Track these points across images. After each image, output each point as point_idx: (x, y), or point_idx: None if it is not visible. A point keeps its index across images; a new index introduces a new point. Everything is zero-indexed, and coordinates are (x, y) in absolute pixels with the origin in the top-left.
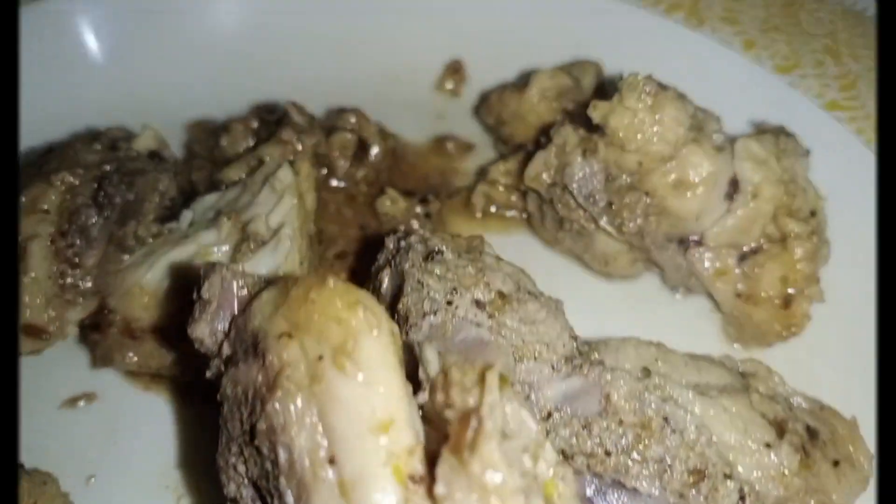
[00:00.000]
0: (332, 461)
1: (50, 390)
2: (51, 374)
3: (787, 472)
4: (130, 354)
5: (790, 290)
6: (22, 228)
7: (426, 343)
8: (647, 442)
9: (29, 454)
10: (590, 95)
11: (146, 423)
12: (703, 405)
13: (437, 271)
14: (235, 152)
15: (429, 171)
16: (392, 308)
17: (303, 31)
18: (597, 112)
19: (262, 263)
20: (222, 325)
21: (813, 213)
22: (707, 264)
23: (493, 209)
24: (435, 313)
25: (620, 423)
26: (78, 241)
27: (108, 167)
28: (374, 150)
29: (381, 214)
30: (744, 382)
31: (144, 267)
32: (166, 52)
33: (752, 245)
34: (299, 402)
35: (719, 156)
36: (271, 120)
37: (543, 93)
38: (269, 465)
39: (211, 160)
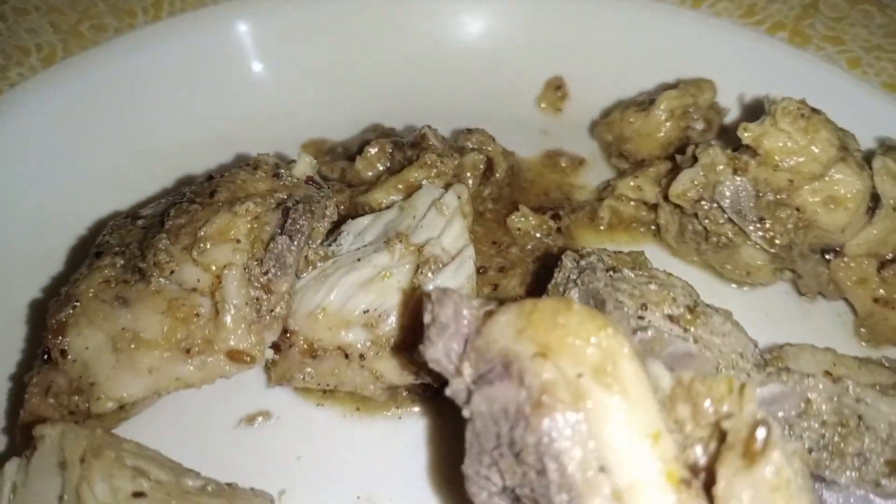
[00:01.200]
0: (602, 470)
1: (224, 409)
2: (221, 393)
3: None
4: (309, 371)
5: None
6: (212, 257)
7: (649, 359)
8: (846, 439)
9: (219, 471)
10: (710, 112)
11: (324, 438)
12: (886, 404)
13: (625, 288)
14: (368, 175)
15: (547, 186)
16: None
17: (404, 51)
18: (749, 134)
19: (445, 283)
20: (456, 347)
21: None
22: (849, 273)
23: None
24: (645, 330)
25: (823, 423)
26: (273, 269)
27: (280, 195)
28: (500, 169)
29: (513, 230)
30: None
31: (324, 290)
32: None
33: (891, 255)
34: (567, 417)
35: (864, 173)
36: (405, 143)
37: (672, 111)
38: (533, 475)
39: (345, 182)
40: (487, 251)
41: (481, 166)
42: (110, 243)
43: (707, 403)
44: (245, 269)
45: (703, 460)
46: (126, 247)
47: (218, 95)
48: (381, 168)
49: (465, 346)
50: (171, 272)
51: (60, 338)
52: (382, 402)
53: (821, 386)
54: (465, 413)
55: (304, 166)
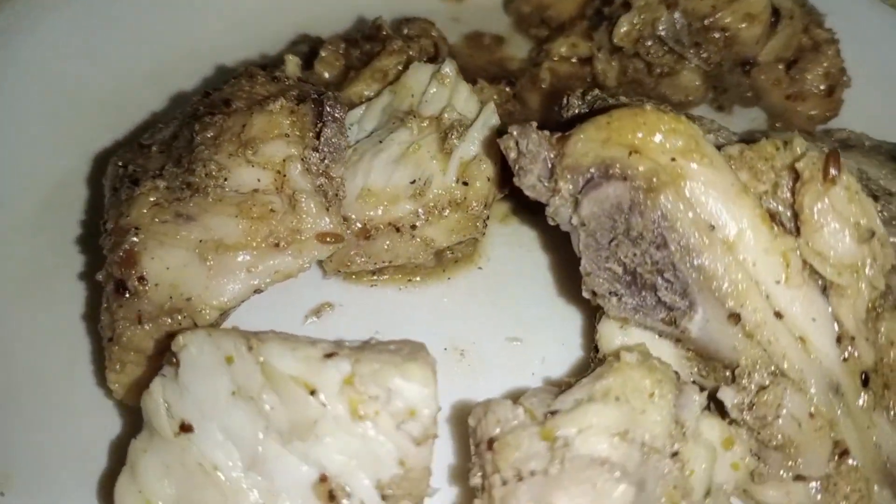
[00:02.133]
0: (712, 228)
1: (287, 312)
2: (276, 297)
3: None
4: (365, 253)
5: (830, 82)
6: (267, 154)
7: None
8: None
9: None
10: None
11: (391, 311)
12: (846, 156)
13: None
14: (327, 77)
15: (481, 64)
16: None
17: None
18: None
19: (476, 140)
20: (544, 174)
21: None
22: (764, 77)
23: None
24: None
25: None
26: (329, 155)
27: (293, 92)
28: (444, 52)
29: None
30: (845, 142)
31: (361, 174)
32: None
33: (793, 57)
34: (675, 194)
35: None
36: (359, 38)
37: None
38: (653, 250)
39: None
40: None
41: (431, 50)
42: (137, 171)
43: (762, 165)
44: (303, 159)
45: (772, 206)
46: (160, 170)
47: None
48: (340, 64)
49: (553, 170)
50: (226, 179)
51: (133, 267)
52: (431, 267)
53: None
54: (574, 222)
55: (294, 67)
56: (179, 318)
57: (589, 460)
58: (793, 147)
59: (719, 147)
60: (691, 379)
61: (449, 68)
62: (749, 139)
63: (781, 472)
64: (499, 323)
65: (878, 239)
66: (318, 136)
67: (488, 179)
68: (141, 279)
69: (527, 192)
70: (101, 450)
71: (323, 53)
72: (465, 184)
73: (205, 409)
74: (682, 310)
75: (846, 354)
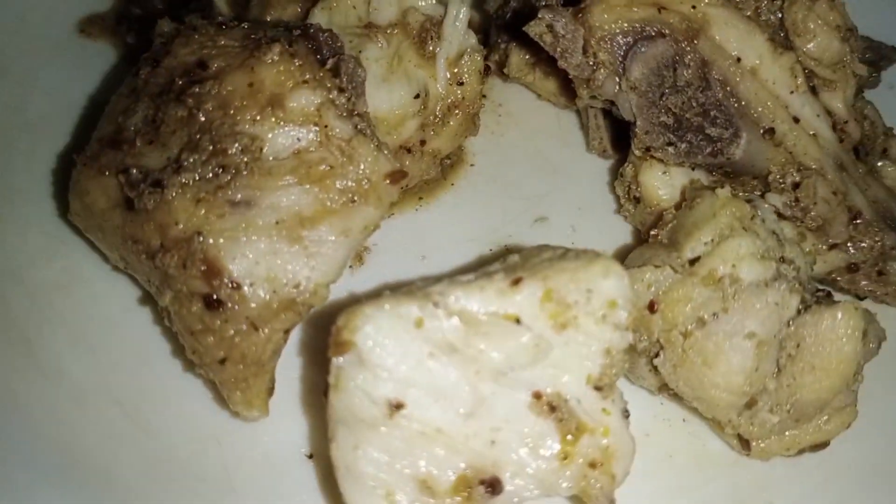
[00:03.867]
0: (739, 60)
1: None
2: None
3: None
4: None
5: None
6: (296, 109)
7: None
8: None
9: None
10: None
11: (424, 232)
12: None
13: None
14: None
15: None
16: None
17: None
18: None
19: (455, 35)
20: (579, 52)
21: None
22: None
23: None
24: None
25: None
26: (352, 91)
27: (263, 29)
28: None
29: None
30: None
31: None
32: None
33: None
34: (707, 38)
35: None
36: None
37: None
38: (699, 94)
39: None
40: None
41: None
42: (150, 168)
43: None
44: (332, 103)
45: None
46: (178, 162)
47: None
48: None
49: (585, 46)
50: (261, 149)
51: (219, 275)
52: (436, 180)
53: None
54: (623, 88)
55: (224, 4)
56: (297, 307)
57: (756, 285)
58: None
59: None
60: None
61: None
62: None
63: (822, 246)
64: (518, 210)
65: (853, 33)
66: (336, 73)
67: (479, 72)
68: (234, 285)
69: (573, 73)
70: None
71: None
72: (461, 83)
73: (408, 380)
74: (728, 139)
75: (841, 136)
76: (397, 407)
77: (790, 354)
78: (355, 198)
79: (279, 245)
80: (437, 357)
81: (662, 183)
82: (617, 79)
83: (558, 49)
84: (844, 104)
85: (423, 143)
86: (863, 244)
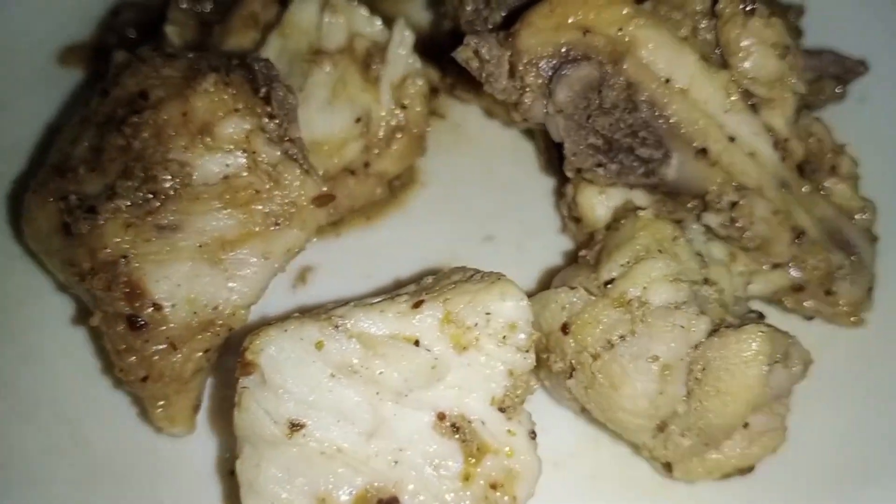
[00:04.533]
0: (668, 81)
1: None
2: None
3: None
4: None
5: None
6: (224, 136)
7: None
8: None
9: None
10: None
11: (370, 252)
12: None
13: None
14: (181, 41)
15: None
16: None
17: None
18: None
19: (399, 60)
20: (507, 76)
21: None
22: None
23: None
24: None
25: None
26: (284, 118)
27: (206, 62)
28: None
29: None
30: None
31: (302, 129)
32: None
33: None
34: (633, 61)
35: None
36: None
37: None
38: (626, 116)
39: None
40: None
41: None
42: (82, 199)
43: (677, 14)
44: (263, 129)
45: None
46: (110, 190)
47: None
48: (192, 25)
49: (513, 70)
50: (191, 175)
51: (142, 297)
52: (385, 200)
53: None
54: (550, 111)
55: (177, 36)
56: (215, 329)
57: (664, 309)
58: None
59: None
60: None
61: None
62: None
63: (763, 266)
64: (467, 229)
65: (791, 51)
66: (267, 101)
67: (424, 96)
68: (155, 306)
69: (499, 97)
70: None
71: (172, 17)
72: (404, 106)
73: (309, 400)
74: (659, 159)
75: (784, 154)
76: (298, 427)
77: (697, 378)
78: (279, 221)
79: (200, 268)
80: (337, 378)
81: (599, 203)
82: (544, 102)
83: (483, 74)
84: (785, 122)
85: (367, 165)
86: (806, 264)
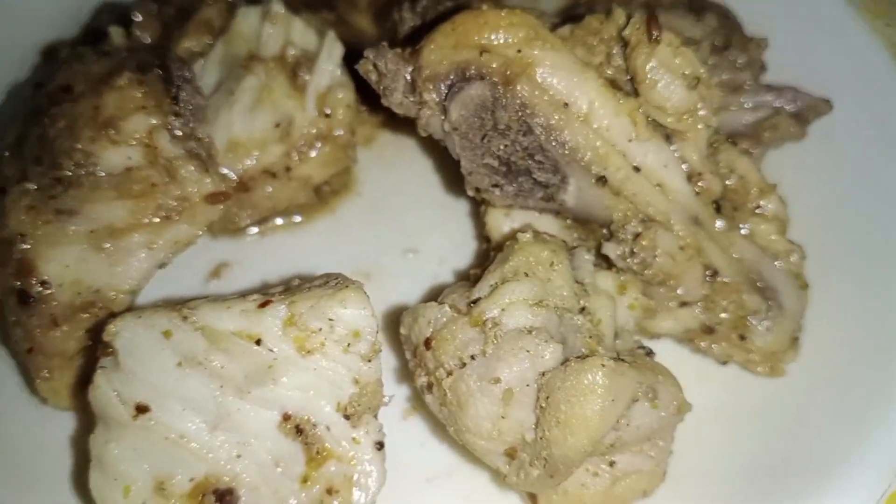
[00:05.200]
0: (566, 105)
1: (185, 278)
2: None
3: (717, 27)
4: (246, 207)
5: None
6: (129, 131)
7: None
8: None
9: None
10: None
11: (291, 255)
12: None
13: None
14: (150, 41)
15: None
16: None
17: None
18: None
19: (326, 71)
20: (407, 90)
21: None
22: None
23: None
24: None
25: None
26: (191, 117)
27: (132, 61)
28: None
29: None
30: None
31: (222, 128)
32: None
33: None
34: (528, 83)
35: None
36: None
37: None
38: (521, 138)
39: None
40: None
41: None
42: (8, 178)
43: (592, 39)
44: (168, 127)
45: (609, 73)
46: (21, 173)
47: None
48: (157, 27)
49: (414, 84)
50: (95, 165)
51: (31, 273)
52: (313, 205)
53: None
54: (446, 128)
55: (120, 38)
56: (95, 310)
57: (517, 332)
58: (614, 18)
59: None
60: (575, 244)
61: (277, 6)
62: (573, 17)
63: (668, 303)
64: (391, 240)
65: (703, 82)
66: (175, 101)
67: (348, 106)
68: (43, 283)
69: (396, 110)
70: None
71: (137, 18)
72: (327, 115)
73: (156, 386)
74: (557, 185)
75: (698, 189)
76: (144, 409)
77: (542, 406)
78: (169, 214)
79: (89, 252)
80: (184, 368)
81: (504, 224)
82: (441, 118)
83: (381, 87)
84: (698, 156)
85: (288, 169)
86: (717, 305)
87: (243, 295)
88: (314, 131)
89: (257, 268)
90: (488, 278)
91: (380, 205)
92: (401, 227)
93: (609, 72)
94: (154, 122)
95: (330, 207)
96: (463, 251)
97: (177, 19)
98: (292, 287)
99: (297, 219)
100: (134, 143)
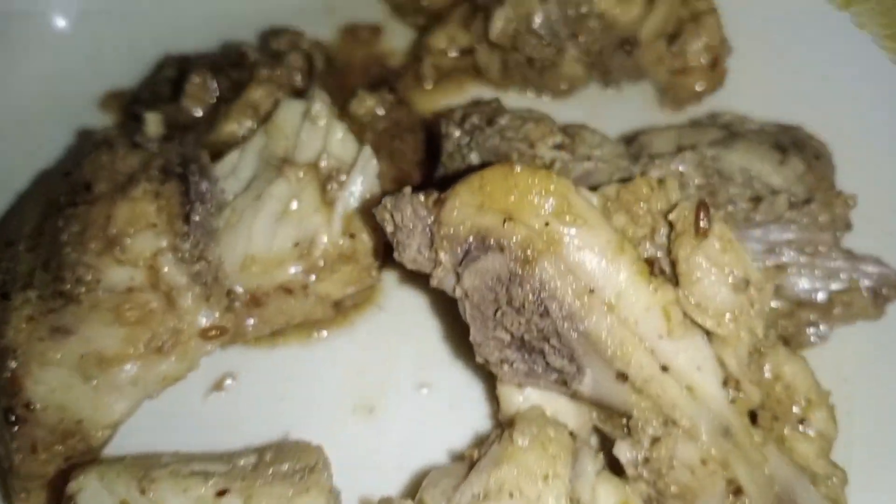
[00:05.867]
0: (592, 291)
1: (187, 387)
2: None
3: (802, 174)
4: (258, 320)
5: (712, 55)
6: (136, 250)
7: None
8: (717, 192)
9: (220, 441)
10: None
11: (295, 372)
12: (729, 153)
13: (511, 135)
14: (199, 113)
15: (362, 63)
16: None
17: None
18: None
19: (358, 188)
20: (424, 243)
21: None
22: (646, 56)
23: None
24: (553, 165)
25: (697, 187)
26: (201, 239)
27: (158, 162)
28: (319, 61)
29: (358, 116)
30: (732, 130)
31: (243, 238)
32: None
33: (672, 31)
34: (552, 263)
35: None
36: (225, 66)
37: None
38: (536, 319)
39: (179, 128)
40: None
41: (304, 65)
42: (6, 278)
43: (641, 207)
44: (175, 249)
45: (651, 251)
46: (30, 277)
47: None
48: (211, 100)
49: (433, 239)
50: (98, 281)
51: (18, 394)
52: (331, 318)
53: (686, 157)
54: (458, 293)
55: (156, 125)
56: (73, 441)
57: None
58: (666, 190)
59: (595, 188)
60: (592, 424)
61: (320, 106)
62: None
63: None
64: (406, 369)
65: (754, 285)
66: (187, 220)
67: (374, 230)
68: (27, 406)
69: (408, 267)
70: None
71: (188, 88)
72: (352, 236)
73: None
74: (572, 373)
75: (733, 396)
76: None
77: None
78: (162, 347)
79: (75, 380)
80: None
81: (516, 397)
82: (454, 282)
83: (395, 240)
84: (738, 361)
85: (305, 286)
86: None
87: (206, 475)
88: (337, 252)
89: (263, 384)
90: (473, 482)
91: (401, 325)
92: (418, 354)
93: (650, 249)
94: (162, 244)
95: (349, 321)
96: (476, 398)
97: (229, 91)
98: (262, 463)
99: (315, 331)
100: (138, 264)
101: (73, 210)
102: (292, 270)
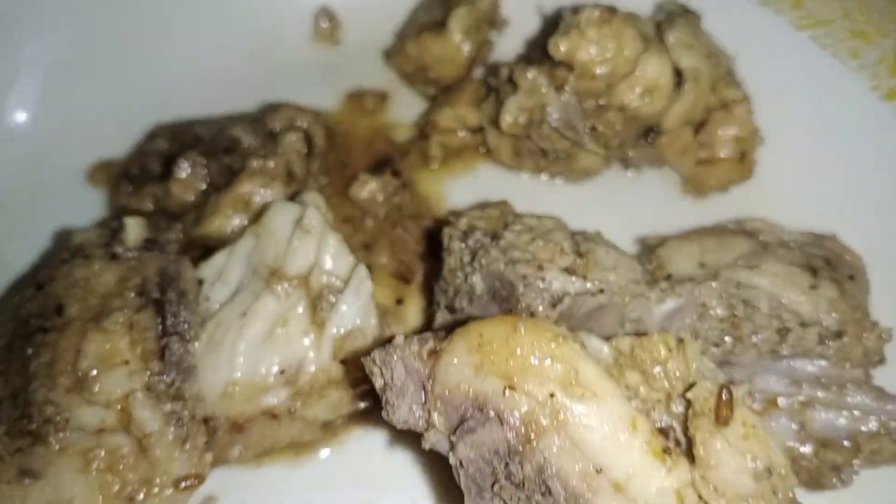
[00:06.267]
0: (599, 471)
1: None
2: None
3: (834, 301)
4: (241, 446)
5: (742, 147)
6: (107, 391)
7: (583, 335)
8: (741, 325)
9: None
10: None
11: (280, 494)
12: (757, 277)
13: (518, 256)
14: (189, 199)
15: (365, 136)
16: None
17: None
18: (560, 49)
19: (349, 311)
20: (417, 399)
21: (730, 73)
22: (672, 146)
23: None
24: (561, 301)
25: (720, 320)
26: (177, 377)
27: (135, 281)
28: (319, 138)
29: (360, 201)
30: (760, 242)
31: (226, 361)
32: None
33: (700, 118)
34: (556, 440)
35: (665, 54)
36: (217, 151)
37: (466, 30)
38: (538, 497)
39: (166, 215)
40: (344, 231)
41: (302, 147)
42: None
43: (657, 369)
44: (148, 388)
45: (665, 420)
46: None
47: None
48: (200, 186)
49: (426, 395)
50: (67, 421)
51: None
52: (320, 439)
53: (712, 285)
54: (452, 460)
55: (136, 231)
56: None
57: None
58: (687, 355)
59: (609, 337)
60: None
61: (313, 216)
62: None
63: None
64: (393, 491)
65: (776, 472)
66: (161, 356)
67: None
68: None
69: (398, 427)
70: None
71: (177, 173)
72: (343, 361)
73: None
74: None
75: None
76: None
77: None
78: (132, 498)
79: None
80: None
81: None
82: (448, 447)
83: (383, 398)
84: None
85: (290, 411)
86: None
87: None
88: (325, 377)
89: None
90: None
91: (387, 445)
92: (404, 478)
93: (666, 418)
94: (135, 385)
95: (338, 440)
96: None
97: (221, 174)
98: None
99: (302, 451)
100: (109, 405)
101: (42, 337)
102: (277, 398)
